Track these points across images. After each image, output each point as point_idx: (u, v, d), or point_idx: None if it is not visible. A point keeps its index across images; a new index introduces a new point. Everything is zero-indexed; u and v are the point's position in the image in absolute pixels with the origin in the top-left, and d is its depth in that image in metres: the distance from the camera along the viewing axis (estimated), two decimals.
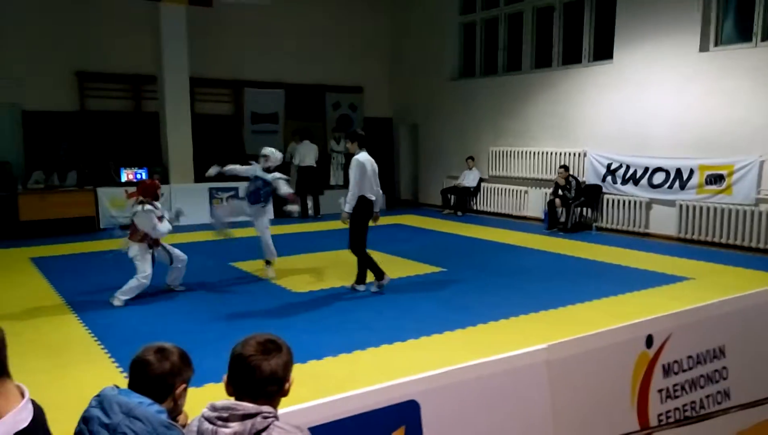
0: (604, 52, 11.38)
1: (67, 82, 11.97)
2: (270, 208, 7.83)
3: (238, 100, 13.85)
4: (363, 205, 6.76)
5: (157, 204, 6.69)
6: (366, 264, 6.92)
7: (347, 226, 6.93)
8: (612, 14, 11.06)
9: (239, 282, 7.52)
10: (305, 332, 5.56)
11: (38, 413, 1.75)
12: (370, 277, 7.03)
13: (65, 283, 7.37)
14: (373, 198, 6.83)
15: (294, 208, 9.10)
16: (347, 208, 6.71)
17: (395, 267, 8.30)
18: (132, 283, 6.51)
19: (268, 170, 7.67)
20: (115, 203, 11.38)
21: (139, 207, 6.53)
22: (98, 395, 2.06)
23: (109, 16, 12.22)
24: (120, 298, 6.46)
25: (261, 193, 7.60)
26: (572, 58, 12.05)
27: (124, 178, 11.75)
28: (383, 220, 13.00)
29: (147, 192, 6.65)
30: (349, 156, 14.94)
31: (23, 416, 1.65)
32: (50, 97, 11.80)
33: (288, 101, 14.41)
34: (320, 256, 8.85)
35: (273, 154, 7.76)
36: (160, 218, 6.60)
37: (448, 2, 14.38)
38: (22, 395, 1.68)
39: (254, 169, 7.72)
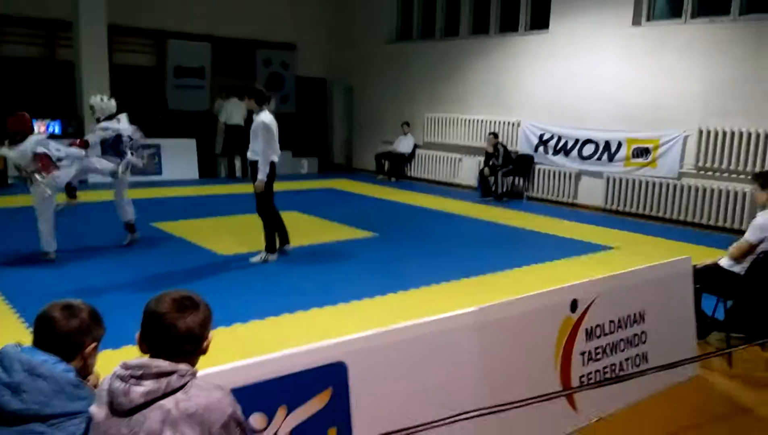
0: (540, 21, 11.46)
1: None
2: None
3: (161, 52, 13.15)
4: (272, 168, 6.43)
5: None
6: (274, 228, 6.63)
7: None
8: None
9: (161, 243, 7.23)
10: (230, 295, 5.41)
11: None
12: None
13: None
14: (277, 159, 6.47)
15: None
16: (261, 175, 6.29)
17: (327, 231, 8.21)
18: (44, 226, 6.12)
19: (98, 122, 6.87)
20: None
21: (34, 138, 6.05)
22: None
23: None
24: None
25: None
26: (509, 26, 12.10)
27: (36, 131, 11.00)
28: (316, 184, 12.98)
29: (23, 125, 6.11)
30: (280, 116, 14.53)
31: None
32: None
33: (215, 56, 13.79)
34: (247, 218, 8.58)
35: (97, 103, 6.88)
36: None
37: None
38: None
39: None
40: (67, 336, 1.97)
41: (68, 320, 1.98)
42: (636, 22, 10.00)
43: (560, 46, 10.95)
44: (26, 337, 4.02)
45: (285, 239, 6.91)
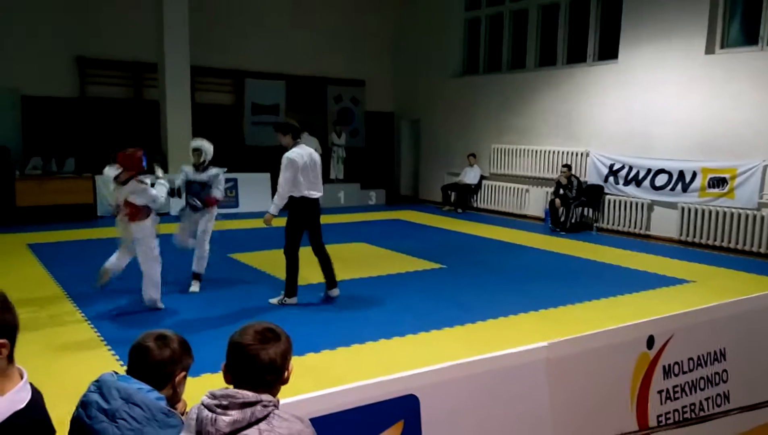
0: (609, 51, 11.34)
1: (68, 67, 11.91)
2: (213, 211, 6.78)
3: (239, 91, 13.80)
4: (304, 204, 6.05)
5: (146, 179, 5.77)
6: (291, 272, 6.20)
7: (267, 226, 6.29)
8: (618, 13, 11.00)
9: (237, 273, 7.49)
10: (303, 325, 5.54)
11: (36, 395, 1.78)
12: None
13: (62, 269, 7.32)
14: (317, 195, 6.09)
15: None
16: (273, 209, 5.99)
17: (395, 262, 8.29)
18: (153, 271, 5.77)
19: (202, 165, 6.67)
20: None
21: (138, 185, 5.67)
22: (97, 380, 2.05)
23: (111, 1, 12.16)
24: (156, 299, 5.91)
25: (201, 197, 6.64)
26: (577, 57, 12.01)
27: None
28: (384, 215, 13.13)
29: (133, 164, 5.64)
30: (350, 150, 14.80)
31: (21, 396, 1.71)
32: (50, 82, 11.75)
33: (289, 93, 14.35)
34: None
35: (205, 146, 6.67)
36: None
37: None
38: (21, 377, 1.72)
39: (185, 172, 6.79)
40: (159, 365, 2.06)
41: (161, 350, 2.07)
42: (709, 50, 9.74)
43: (630, 76, 10.77)
44: (115, 365, 4.25)
45: (291, 292, 6.36)
